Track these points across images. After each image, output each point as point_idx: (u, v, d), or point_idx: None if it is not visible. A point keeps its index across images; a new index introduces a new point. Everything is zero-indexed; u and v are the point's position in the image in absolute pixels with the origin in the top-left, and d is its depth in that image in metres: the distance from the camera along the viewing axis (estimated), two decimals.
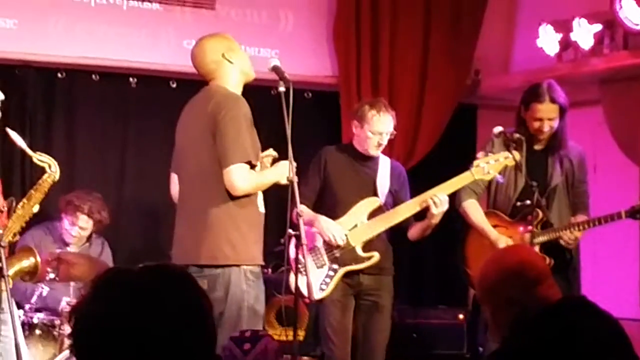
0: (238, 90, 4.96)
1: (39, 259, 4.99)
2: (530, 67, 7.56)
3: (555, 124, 5.74)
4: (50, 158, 4.93)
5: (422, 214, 5.76)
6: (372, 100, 6.13)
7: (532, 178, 5.67)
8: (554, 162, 5.82)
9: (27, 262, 4.94)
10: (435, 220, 5.66)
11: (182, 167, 5.00)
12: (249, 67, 4.97)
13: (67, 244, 6.51)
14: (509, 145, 5.66)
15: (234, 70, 4.94)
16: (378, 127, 5.77)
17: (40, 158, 4.91)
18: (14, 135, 4.89)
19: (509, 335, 3.35)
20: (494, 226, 5.84)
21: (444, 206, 5.62)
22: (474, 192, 5.91)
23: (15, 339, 4.63)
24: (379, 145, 5.83)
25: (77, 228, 6.47)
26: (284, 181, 4.84)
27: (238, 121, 4.75)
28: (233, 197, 4.77)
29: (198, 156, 4.89)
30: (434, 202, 5.59)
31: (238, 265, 4.78)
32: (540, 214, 5.64)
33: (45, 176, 4.90)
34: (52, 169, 4.89)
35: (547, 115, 5.72)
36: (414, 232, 5.88)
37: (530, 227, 5.65)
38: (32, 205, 4.87)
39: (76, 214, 6.43)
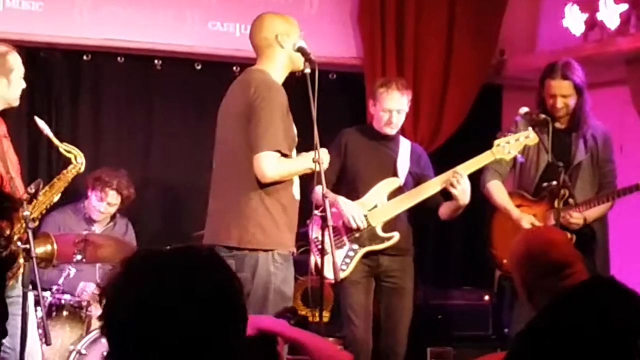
0: (282, 76, 4.95)
1: (55, 246, 4.99)
2: (556, 47, 7.51)
3: (571, 101, 5.73)
4: (77, 149, 4.95)
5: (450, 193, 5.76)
6: (385, 78, 6.16)
7: (555, 157, 5.66)
8: (577, 140, 5.80)
9: (42, 249, 4.94)
10: (462, 199, 5.64)
11: (219, 149, 5.01)
12: (299, 57, 4.91)
13: (92, 223, 6.54)
14: (534, 126, 5.66)
15: (282, 54, 4.92)
16: (386, 104, 5.79)
17: (66, 148, 4.93)
18: (41, 124, 4.90)
19: (535, 316, 3.35)
20: (518, 206, 5.84)
21: (464, 184, 5.60)
22: (498, 172, 5.92)
23: (43, 319, 4.66)
24: (390, 122, 5.82)
25: (105, 204, 6.50)
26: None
27: (272, 109, 4.75)
28: (266, 183, 4.78)
29: (233, 140, 4.89)
30: (451, 183, 5.59)
31: (266, 249, 4.80)
32: (562, 192, 5.63)
33: (70, 167, 4.92)
34: (77, 160, 4.91)
35: (559, 91, 5.72)
36: (444, 211, 5.88)
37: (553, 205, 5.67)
38: (53, 193, 4.90)
39: (105, 190, 6.46)
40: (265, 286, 4.73)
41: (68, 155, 4.92)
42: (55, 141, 4.91)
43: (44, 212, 4.92)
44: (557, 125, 5.83)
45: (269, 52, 4.94)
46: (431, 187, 5.76)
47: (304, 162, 4.89)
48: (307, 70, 4.79)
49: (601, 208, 5.74)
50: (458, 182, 5.59)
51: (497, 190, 5.91)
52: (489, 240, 6.06)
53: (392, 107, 5.80)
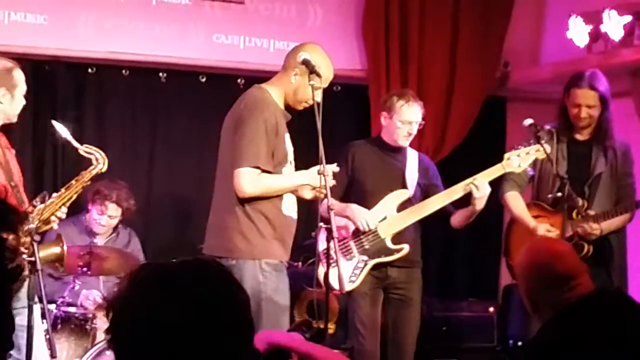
0: (282, 100, 4.98)
1: (65, 248, 4.99)
2: (560, 59, 7.52)
3: (595, 112, 5.71)
4: (98, 150, 4.94)
5: (462, 202, 5.75)
6: (400, 90, 6.16)
7: (575, 168, 5.67)
8: (598, 152, 5.77)
9: (51, 251, 4.94)
10: (479, 205, 5.64)
11: (218, 162, 5.04)
12: (300, 99, 4.96)
13: (94, 235, 6.54)
14: (540, 138, 5.66)
15: (287, 86, 4.95)
16: (407, 117, 5.79)
17: (87, 150, 4.93)
18: (58, 127, 4.90)
19: (539, 329, 3.35)
20: (536, 216, 5.84)
21: (486, 190, 5.61)
22: (517, 183, 5.91)
23: (49, 331, 4.67)
24: (409, 135, 5.84)
25: (106, 217, 6.49)
26: (312, 183, 4.86)
27: (257, 125, 4.76)
28: (245, 198, 4.80)
29: (224, 153, 4.94)
30: (476, 186, 5.59)
31: (253, 258, 4.80)
32: (581, 202, 5.63)
33: (90, 167, 4.91)
34: (98, 160, 4.91)
35: (584, 101, 5.70)
36: (457, 219, 5.88)
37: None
38: (68, 194, 4.88)
39: (105, 203, 6.45)
40: (256, 295, 4.72)
41: (88, 156, 4.92)
42: (75, 143, 4.89)
43: (56, 213, 4.87)
44: (578, 136, 5.81)
45: (282, 74, 4.98)
46: (440, 200, 5.76)
47: (294, 179, 4.92)
48: (312, 82, 4.80)
49: (619, 220, 5.71)
50: (479, 188, 5.59)
51: (515, 201, 5.90)
52: (507, 251, 6.07)
53: (413, 119, 5.80)
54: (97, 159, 4.90)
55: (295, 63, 4.91)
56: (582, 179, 5.68)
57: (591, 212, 5.63)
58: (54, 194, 4.90)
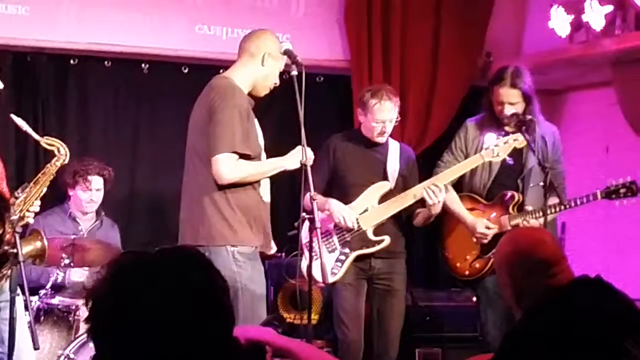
0: (248, 86, 5.00)
1: (45, 243, 4.97)
2: (542, 49, 7.53)
3: (518, 108, 5.73)
4: (59, 141, 4.92)
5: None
6: (374, 87, 6.14)
7: (508, 161, 5.69)
8: (528, 144, 5.79)
9: (31, 246, 4.92)
10: (435, 210, 5.67)
11: (187, 153, 5.04)
12: (269, 84, 5.00)
13: (78, 223, 6.52)
14: (522, 127, 5.67)
15: (257, 71, 4.97)
16: (380, 116, 5.80)
17: (48, 142, 4.90)
18: (19, 121, 4.87)
19: (522, 317, 3.35)
20: (470, 209, 5.86)
21: (440, 197, 5.62)
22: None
23: (31, 323, 4.65)
24: (383, 132, 5.84)
25: (94, 191, 6.48)
26: (289, 167, 4.87)
27: (229, 110, 4.77)
28: (223, 185, 4.79)
29: (195, 143, 4.95)
30: (428, 194, 5.61)
31: (225, 246, 4.80)
32: (517, 196, 5.68)
33: (54, 160, 4.89)
34: (60, 152, 4.89)
35: (507, 99, 5.74)
36: (418, 219, 5.90)
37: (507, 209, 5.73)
38: (39, 188, 4.86)
39: (88, 178, 6.44)
40: (231, 285, 4.71)
41: (50, 148, 4.90)
42: (35, 136, 4.88)
43: (29, 208, 4.85)
44: (507, 129, 5.81)
45: (247, 62, 4.98)
46: (418, 191, 5.76)
47: (271, 164, 4.93)
48: (294, 73, 4.81)
49: (554, 214, 5.76)
50: (436, 195, 5.61)
51: (449, 195, 5.87)
52: (442, 243, 6.07)
53: (385, 117, 5.81)
54: (59, 150, 4.88)
55: (260, 51, 4.93)
56: (516, 172, 5.70)
57: (529, 208, 5.66)
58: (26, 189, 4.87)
